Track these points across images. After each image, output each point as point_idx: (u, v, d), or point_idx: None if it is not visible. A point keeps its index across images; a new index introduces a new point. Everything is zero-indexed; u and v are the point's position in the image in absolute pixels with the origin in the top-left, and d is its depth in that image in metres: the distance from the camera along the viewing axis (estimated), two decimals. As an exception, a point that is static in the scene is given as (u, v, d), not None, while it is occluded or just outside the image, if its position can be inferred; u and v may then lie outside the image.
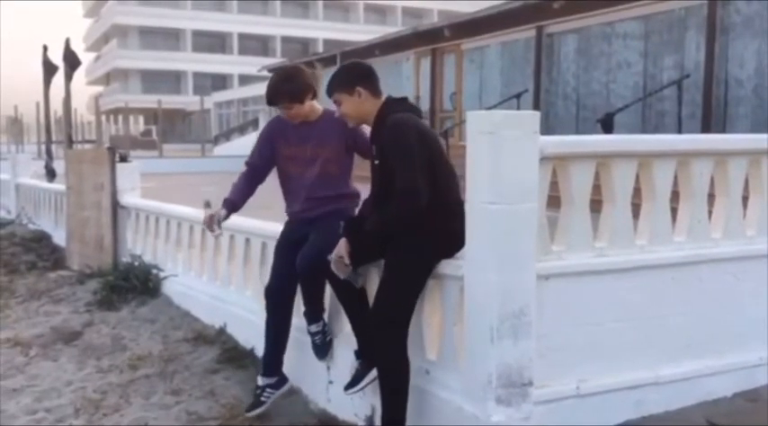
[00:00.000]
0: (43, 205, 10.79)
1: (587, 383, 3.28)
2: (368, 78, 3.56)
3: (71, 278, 7.61)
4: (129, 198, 7.61)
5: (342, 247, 3.49)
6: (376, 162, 3.47)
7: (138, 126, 57.75)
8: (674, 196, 3.56)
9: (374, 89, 3.55)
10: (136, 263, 6.92)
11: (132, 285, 6.59)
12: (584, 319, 3.28)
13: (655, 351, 3.46)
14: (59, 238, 9.38)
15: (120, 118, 44.97)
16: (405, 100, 3.58)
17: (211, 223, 4.11)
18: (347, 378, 3.73)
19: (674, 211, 3.58)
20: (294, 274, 3.91)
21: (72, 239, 8.61)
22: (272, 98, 3.99)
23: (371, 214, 3.56)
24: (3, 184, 13.72)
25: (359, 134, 3.99)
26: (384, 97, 3.57)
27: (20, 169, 12.65)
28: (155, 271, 6.69)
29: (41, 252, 9.18)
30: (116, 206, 7.65)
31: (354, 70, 3.64)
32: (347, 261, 3.47)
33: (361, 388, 3.63)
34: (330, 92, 3.61)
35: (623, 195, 3.39)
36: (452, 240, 3.33)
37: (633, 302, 3.39)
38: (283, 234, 4.19)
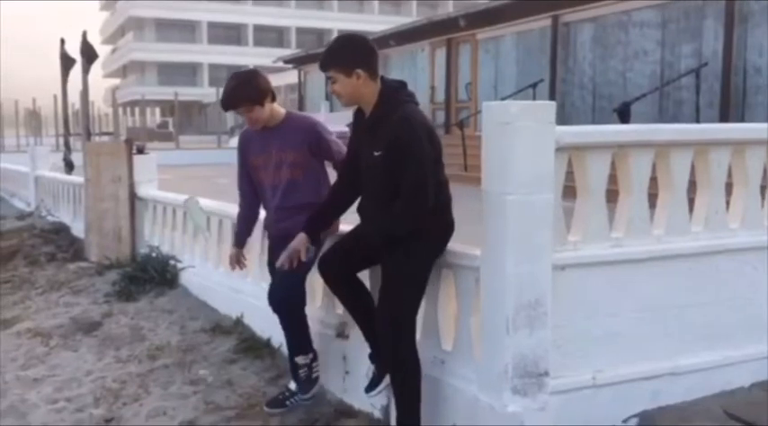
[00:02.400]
0: (62, 197, 10.88)
1: (603, 373, 3.27)
2: (369, 61, 3.34)
3: (90, 269, 7.68)
4: (147, 189, 7.66)
5: (300, 242, 3.53)
6: (376, 153, 3.30)
7: (154, 118, 57.94)
8: (692, 186, 3.54)
9: (373, 72, 3.34)
10: (153, 254, 6.97)
11: (150, 276, 6.64)
12: (601, 309, 3.28)
13: (671, 342, 3.44)
14: (78, 230, 9.46)
15: (137, 110, 45.16)
16: (404, 86, 3.41)
17: (234, 263, 4.31)
18: (363, 369, 3.74)
19: (690, 201, 3.56)
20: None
21: (90, 231, 8.68)
22: (231, 102, 3.84)
23: (367, 209, 3.49)
24: (22, 177, 13.86)
25: (322, 137, 3.91)
26: (379, 80, 3.38)
27: (38, 162, 12.77)
28: (172, 262, 6.74)
29: (60, 243, 9.26)
30: (133, 198, 7.71)
31: (356, 50, 3.38)
32: (303, 257, 3.51)
33: (381, 390, 3.60)
34: (326, 67, 3.36)
35: (640, 185, 3.38)
36: (448, 231, 3.38)
37: (649, 292, 3.38)
38: (269, 251, 4.21)
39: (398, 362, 3.35)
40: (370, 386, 3.63)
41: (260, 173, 4.02)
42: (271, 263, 4.12)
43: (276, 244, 4.05)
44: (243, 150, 4.10)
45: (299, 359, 3.95)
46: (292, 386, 4.09)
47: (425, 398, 3.36)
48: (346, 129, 3.82)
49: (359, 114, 3.51)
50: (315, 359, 3.98)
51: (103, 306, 6.27)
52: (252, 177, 4.10)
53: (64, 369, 4.86)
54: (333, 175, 3.91)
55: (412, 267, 3.30)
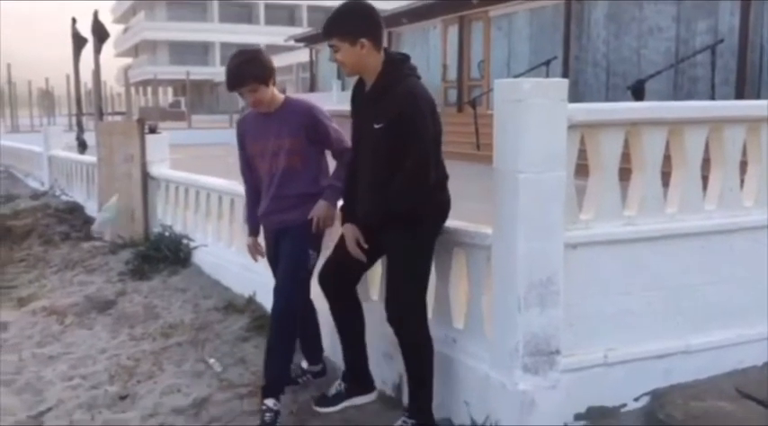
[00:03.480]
0: (75, 177, 10.95)
1: (615, 351, 3.27)
2: (374, 31, 3.25)
3: (104, 248, 7.73)
4: (159, 169, 7.69)
5: (353, 232, 3.35)
6: (377, 125, 3.21)
7: (166, 97, 58.00)
8: (705, 163, 3.51)
9: (378, 42, 3.26)
10: (166, 234, 7.01)
11: (163, 255, 6.69)
12: (613, 288, 3.27)
13: (684, 320, 3.44)
14: (91, 209, 9.52)
15: (149, 89, 45.29)
16: (408, 59, 3.34)
17: (254, 253, 4.10)
18: (379, 348, 3.75)
19: (704, 179, 3.53)
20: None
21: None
22: (238, 80, 3.66)
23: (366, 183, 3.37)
24: (36, 157, 13.94)
25: (320, 122, 3.76)
26: (383, 50, 3.30)
27: (52, 141, 12.84)
28: (185, 241, 6.78)
29: (74, 222, 9.33)
30: (146, 177, 7.75)
31: (361, 18, 3.27)
32: (365, 244, 3.34)
33: (335, 411, 3.63)
34: (329, 34, 3.27)
35: (653, 163, 3.35)
36: (445, 209, 3.36)
37: (662, 271, 3.36)
38: (266, 248, 4.06)
39: (413, 346, 3.35)
40: (328, 402, 3.65)
41: (257, 160, 3.87)
42: (271, 259, 4.00)
43: (273, 240, 3.93)
44: (241, 137, 3.96)
45: (269, 402, 3.58)
46: (304, 364, 4.11)
47: (437, 376, 3.38)
48: None
49: (359, 86, 3.44)
50: (279, 411, 3.59)
51: (117, 285, 6.32)
52: (251, 164, 3.96)
53: (79, 347, 4.91)
54: (332, 165, 3.85)
55: (413, 259, 3.26)
